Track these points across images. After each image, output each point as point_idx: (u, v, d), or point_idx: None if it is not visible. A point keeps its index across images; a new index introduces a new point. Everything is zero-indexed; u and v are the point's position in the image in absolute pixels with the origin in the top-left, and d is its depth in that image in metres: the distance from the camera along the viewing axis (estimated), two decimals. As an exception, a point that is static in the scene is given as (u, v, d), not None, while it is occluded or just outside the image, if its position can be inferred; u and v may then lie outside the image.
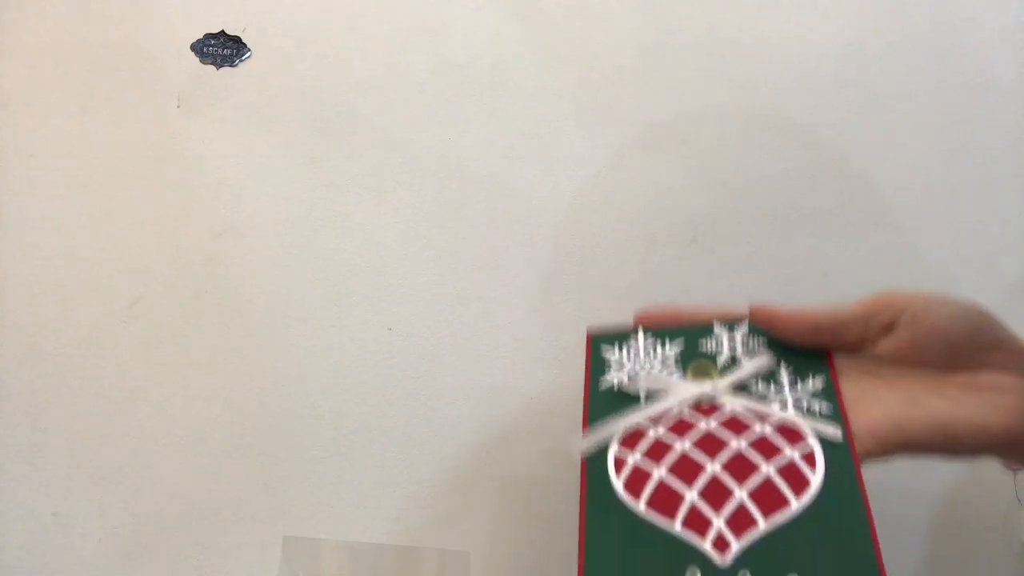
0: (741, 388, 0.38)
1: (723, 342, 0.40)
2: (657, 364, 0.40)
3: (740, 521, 0.34)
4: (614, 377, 0.40)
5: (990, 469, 0.57)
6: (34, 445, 0.63)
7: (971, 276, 0.60)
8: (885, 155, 0.61)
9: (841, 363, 0.39)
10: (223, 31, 0.65)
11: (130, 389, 0.63)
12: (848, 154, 0.61)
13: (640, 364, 0.40)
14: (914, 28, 0.62)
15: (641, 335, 0.41)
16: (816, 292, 0.61)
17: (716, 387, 0.38)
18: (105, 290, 0.63)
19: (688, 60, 0.63)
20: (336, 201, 0.63)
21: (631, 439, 0.37)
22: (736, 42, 0.63)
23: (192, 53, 0.65)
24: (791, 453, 0.35)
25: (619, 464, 0.37)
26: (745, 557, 0.33)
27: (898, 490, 0.55)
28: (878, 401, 0.37)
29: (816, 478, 0.34)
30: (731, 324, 0.40)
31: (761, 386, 0.38)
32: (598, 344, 0.42)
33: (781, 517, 0.33)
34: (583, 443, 0.38)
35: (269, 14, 0.65)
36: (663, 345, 0.41)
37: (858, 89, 0.62)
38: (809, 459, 0.35)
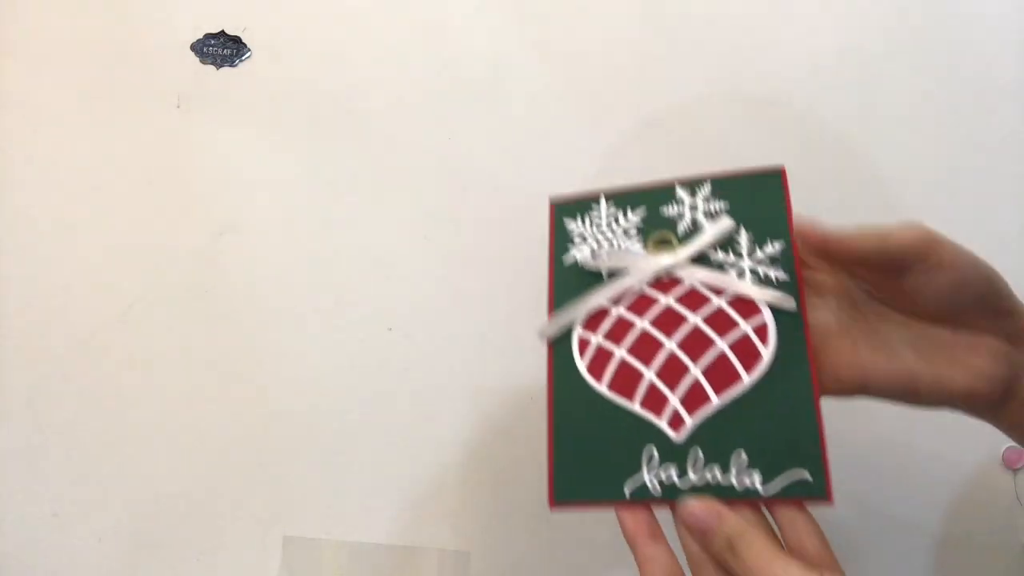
0: (701, 258, 0.38)
1: (685, 206, 0.40)
2: (619, 234, 0.40)
3: (694, 398, 0.36)
4: (577, 252, 0.40)
5: (991, 469, 0.57)
6: (34, 445, 0.63)
7: (971, 276, 0.60)
8: (885, 154, 0.61)
9: (828, 281, 0.39)
10: (223, 31, 0.65)
11: (130, 389, 0.63)
12: (848, 153, 0.61)
13: (603, 234, 0.40)
14: (915, 26, 0.61)
15: (603, 203, 0.41)
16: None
17: (676, 259, 0.38)
18: (105, 290, 0.63)
19: (688, 59, 0.63)
20: (336, 201, 0.63)
21: (594, 320, 0.38)
22: (736, 41, 0.63)
23: (192, 53, 0.65)
24: (745, 327, 0.36)
25: (583, 346, 0.38)
26: (698, 433, 0.35)
27: (898, 490, 0.55)
28: (851, 345, 0.37)
29: (767, 352, 0.35)
30: (693, 186, 0.40)
31: (720, 254, 0.38)
32: (561, 215, 0.42)
33: (733, 393, 0.35)
34: (547, 328, 0.39)
35: (269, 14, 0.65)
36: (625, 214, 0.40)
37: (859, 87, 0.62)
38: (761, 332, 0.36)
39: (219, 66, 0.65)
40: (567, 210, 0.42)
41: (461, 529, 0.60)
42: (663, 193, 0.40)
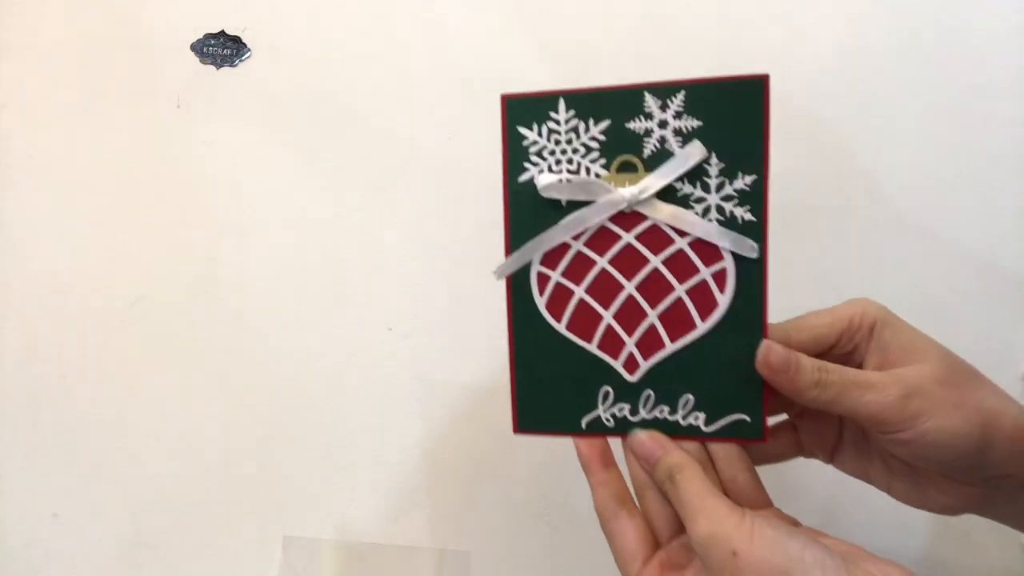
0: (666, 189, 0.36)
1: (653, 121, 0.36)
2: (580, 151, 0.37)
3: (649, 343, 0.37)
4: (536, 174, 0.37)
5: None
6: (34, 445, 0.63)
7: (971, 276, 0.60)
8: (886, 155, 0.61)
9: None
10: (223, 31, 0.65)
11: (130, 389, 0.63)
12: (849, 154, 0.61)
13: (562, 151, 0.37)
14: (915, 26, 0.61)
15: (563, 108, 0.37)
16: (816, 292, 0.61)
17: (641, 192, 0.35)
18: (105, 290, 0.63)
19: (688, 59, 0.63)
20: (336, 201, 0.63)
21: (553, 255, 0.38)
22: (737, 42, 0.63)
23: (192, 53, 0.65)
24: (705, 273, 0.36)
25: (542, 282, 0.38)
26: (650, 376, 0.37)
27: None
28: (844, 452, 0.40)
29: (724, 300, 0.36)
30: (664, 95, 0.36)
31: (687, 187, 0.36)
32: (515, 121, 0.37)
33: (686, 339, 0.36)
34: (503, 267, 0.38)
35: (269, 14, 0.65)
36: (587, 126, 0.37)
37: (859, 88, 0.62)
38: (720, 279, 0.36)
39: (219, 66, 0.65)
40: (522, 114, 0.37)
41: (461, 529, 0.60)
42: (630, 101, 0.36)
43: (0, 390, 0.63)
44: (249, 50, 0.65)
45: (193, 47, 0.65)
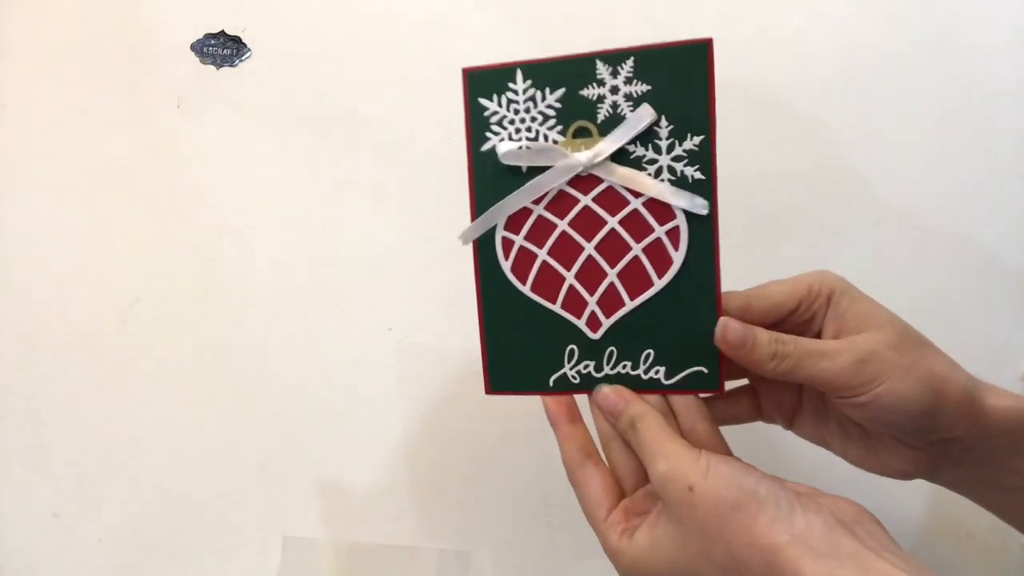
0: (619, 152, 0.37)
1: (605, 88, 0.37)
2: (538, 119, 0.38)
3: (610, 301, 0.39)
4: (496, 142, 0.39)
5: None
6: (34, 445, 0.63)
7: (971, 276, 0.60)
8: (885, 155, 0.61)
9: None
10: (223, 31, 0.65)
11: (130, 389, 0.63)
12: (848, 154, 0.61)
13: (520, 119, 0.39)
14: (916, 26, 0.61)
15: (520, 79, 0.38)
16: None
17: (596, 156, 0.37)
18: (105, 290, 0.63)
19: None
20: (336, 201, 0.63)
21: (516, 220, 0.39)
22: (736, 42, 0.63)
23: (192, 53, 0.65)
24: (659, 231, 0.38)
25: (507, 247, 0.40)
26: (612, 333, 0.39)
27: (898, 489, 0.55)
28: (804, 417, 0.42)
29: (678, 257, 0.38)
30: (615, 62, 0.37)
31: (640, 149, 0.37)
32: (476, 93, 0.39)
33: (645, 296, 0.38)
34: (468, 231, 0.40)
35: (269, 14, 0.65)
36: (543, 95, 0.38)
37: (859, 89, 0.62)
38: (674, 236, 0.38)
39: (219, 66, 0.65)
40: (482, 86, 0.39)
41: (461, 529, 0.60)
42: (583, 69, 0.38)
43: (0, 390, 0.63)
44: (249, 50, 0.65)
45: (193, 47, 0.65)
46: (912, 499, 0.57)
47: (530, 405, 0.61)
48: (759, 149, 0.62)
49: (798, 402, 0.42)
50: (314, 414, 0.62)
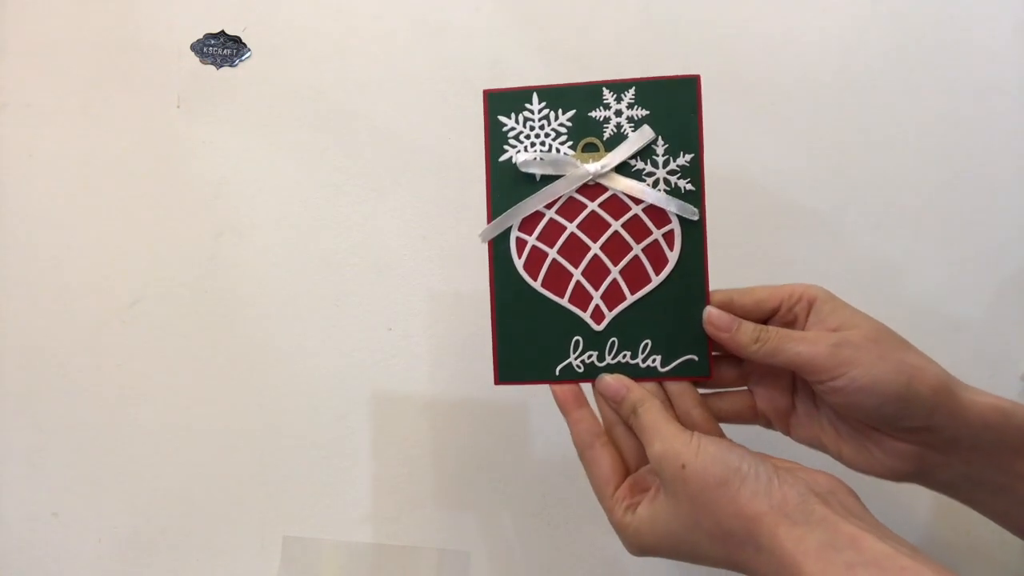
0: (623, 166, 0.43)
1: (611, 111, 0.43)
2: (551, 135, 0.43)
3: (612, 296, 0.43)
4: (513, 153, 0.44)
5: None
6: (34, 445, 0.63)
7: (971, 276, 0.60)
8: (885, 155, 0.61)
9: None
10: (223, 31, 0.65)
11: (130, 389, 0.63)
12: (848, 154, 0.61)
13: (535, 135, 0.43)
14: (916, 26, 0.61)
15: (536, 100, 0.43)
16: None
17: (603, 167, 0.42)
18: (105, 290, 0.63)
19: (687, 59, 0.63)
20: (336, 201, 0.63)
21: (529, 222, 0.44)
22: (737, 42, 0.63)
23: (192, 53, 0.65)
24: (656, 234, 0.43)
25: (520, 246, 0.44)
26: (614, 325, 0.43)
27: (897, 489, 0.55)
28: (798, 419, 0.43)
29: (673, 256, 0.43)
30: (619, 90, 0.43)
31: (640, 163, 0.43)
32: (495, 111, 0.44)
33: (644, 291, 0.43)
34: (487, 231, 0.44)
35: (269, 14, 0.65)
36: (556, 115, 0.43)
37: (858, 89, 0.62)
38: (669, 238, 0.43)
39: (219, 66, 0.65)
40: (501, 105, 0.44)
41: (461, 529, 0.60)
42: (592, 94, 0.43)
43: (0, 390, 0.63)
44: (249, 50, 0.65)
45: (193, 47, 0.65)
46: (912, 499, 0.57)
47: (530, 404, 0.61)
48: (759, 149, 0.62)
49: (791, 403, 0.44)
50: (314, 414, 0.62)
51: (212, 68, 0.65)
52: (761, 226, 0.61)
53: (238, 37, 0.65)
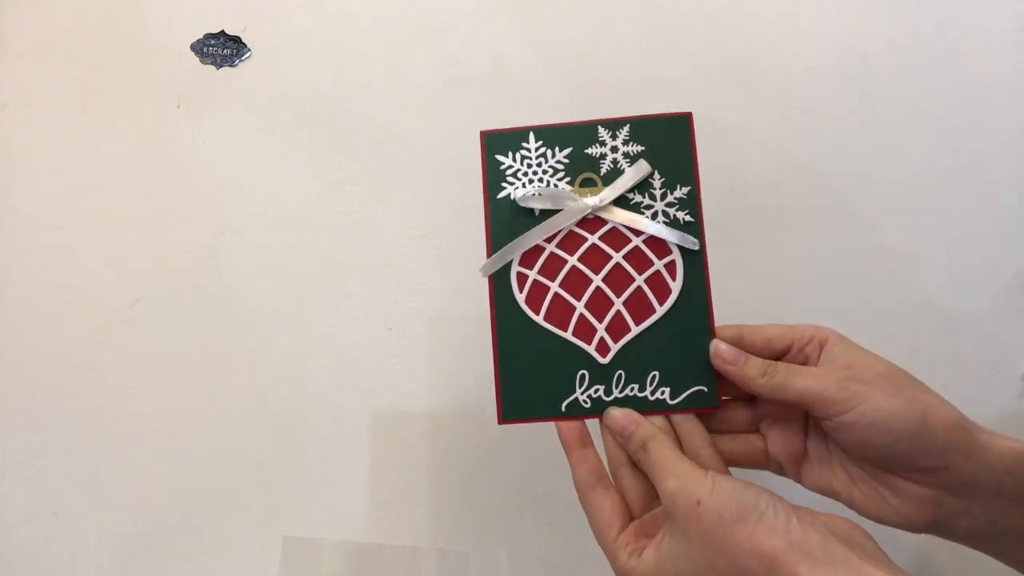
0: (621, 199, 0.43)
1: (607, 147, 0.43)
2: (549, 172, 0.44)
3: (617, 328, 0.43)
4: (511, 189, 0.44)
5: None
6: (34, 445, 0.63)
7: (971, 276, 0.60)
8: (885, 155, 0.61)
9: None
10: (223, 31, 0.65)
11: (130, 389, 0.63)
12: (847, 154, 0.61)
13: (533, 172, 0.44)
14: (915, 26, 0.62)
15: (532, 139, 0.44)
16: (816, 292, 0.61)
17: (601, 201, 0.43)
18: (105, 290, 0.63)
19: (687, 59, 0.63)
20: (336, 201, 0.63)
21: (529, 257, 0.43)
22: (736, 41, 0.63)
23: (192, 53, 0.65)
24: (658, 264, 0.43)
25: (521, 281, 0.43)
26: (620, 357, 0.42)
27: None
28: (811, 465, 0.42)
29: (676, 286, 0.43)
30: (614, 127, 0.43)
31: (638, 196, 0.43)
32: (493, 150, 0.44)
33: (648, 322, 0.42)
34: (487, 265, 0.43)
35: (269, 14, 0.65)
36: (553, 152, 0.44)
37: (858, 89, 0.62)
38: (671, 269, 0.43)
39: (219, 66, 0.65)
40: (498, 145, 0.44)
41: (461, 529, 0.60)
42: (587, 132, 0.44)
43: (0, 390, 0.63)
44: (249, 50, 0.65)
45: (193, 47, 0.65)
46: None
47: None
48: (758, 148, 0.62)
49: (803, 448, 0.42)
50: (314, 414, 0.62)
51: (212, 68, 0.65)
52: (761, 226, 0.61)
53: (238, 37, 0.65)
